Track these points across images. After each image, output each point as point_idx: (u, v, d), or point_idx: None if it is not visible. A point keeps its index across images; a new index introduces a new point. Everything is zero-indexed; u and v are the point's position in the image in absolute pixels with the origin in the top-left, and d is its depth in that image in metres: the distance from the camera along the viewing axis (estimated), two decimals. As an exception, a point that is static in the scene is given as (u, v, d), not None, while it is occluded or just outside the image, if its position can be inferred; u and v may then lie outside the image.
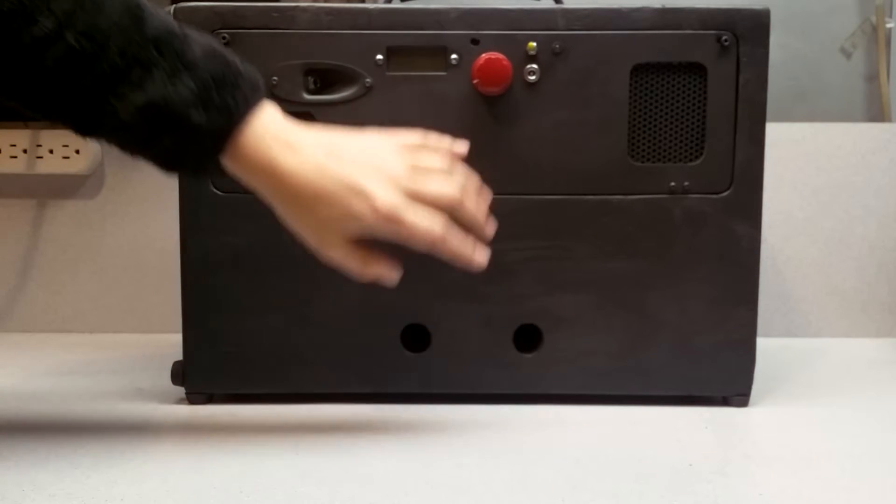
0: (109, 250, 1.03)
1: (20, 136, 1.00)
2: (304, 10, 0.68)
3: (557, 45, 0.68)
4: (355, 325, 0.69)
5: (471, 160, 0.69)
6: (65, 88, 0.56)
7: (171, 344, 0.74)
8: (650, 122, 0.70)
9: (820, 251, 1.00)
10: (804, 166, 1.00)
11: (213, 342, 0.71)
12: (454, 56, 0.68)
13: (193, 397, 0.72)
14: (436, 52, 0.69)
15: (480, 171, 0.69)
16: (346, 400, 0.72)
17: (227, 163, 0.59)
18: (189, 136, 0.57)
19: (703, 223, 0.69)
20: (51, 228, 1.03)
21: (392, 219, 0.58)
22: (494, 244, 0.69)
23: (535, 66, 0.68)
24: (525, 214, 0.70)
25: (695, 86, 0.69)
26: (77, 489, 0.53)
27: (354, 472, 0.57)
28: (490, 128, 0.69)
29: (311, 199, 0.59)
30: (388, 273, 0.61)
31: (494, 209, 0.69)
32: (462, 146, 0.64)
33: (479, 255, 0.62)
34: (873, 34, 1.07)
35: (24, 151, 1.00)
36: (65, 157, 1.00)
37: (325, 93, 0.69)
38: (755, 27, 0.68)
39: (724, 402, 0.72)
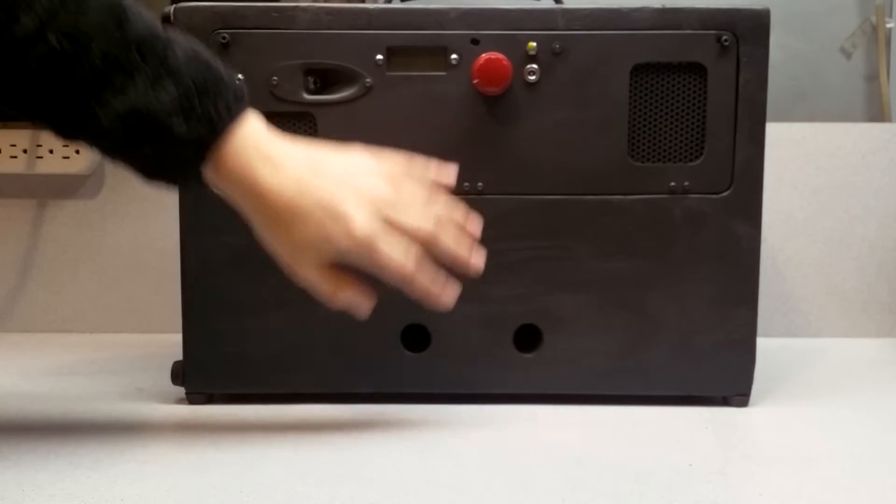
0: (109, 250, 1.03)
1: (20, 136, 1.00)
2: (304, 10, 0.68)
3: (557, 45, 0.68)
4: (355, 325, 0.69)
5: (471, 160, 0.69)
6: (46, 90, 0.55)
7: (171, 344, 0.74)
8: (650, 122, 0.70)
9: (820, 251, 1.00)
10: (804, 166, 1.00)
11: (213, 342, 0.71)
12: (454, 56, 0.68)
13: (193, 397, 0.72)
14: (436, 52, 0.69)
15: (480, 171, 0.69)
16: (346, 400, 0.72)
17: (208, 174, 0.58)
18: (170, 145, 0.56)
19: (703, 223, 0.69)
20: (51, 228, 1.03)
21: (367, 246, 0.58)
22: (494, 244, 0.69)
23: (535, 66, 0.68)
24: (525, 214, 0.70)
25: (695, 86, 0.69)
26: (77, 489, 0.53)
27: (354, 472, 0.57)
28: (490, 128, 0.69)
29: (288, 217, 0.58)
30: (359, 301, 0.61)
31: (494, 209, 0.69)
32: (449, 174, 0.64)
33: (448, 295, 0.61)
34: (873, 34, 1.07)
35: (24, 151, 1.00)
36: (65, 157, 1.00)
37: (325, 93, 0.69)
38: (755, 27, 0.68)
39: (724, 402, 0.72)
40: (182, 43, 0.57)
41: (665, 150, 0.70)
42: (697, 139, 0.70)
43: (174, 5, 0.69)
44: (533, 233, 0.70)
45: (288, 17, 0.68)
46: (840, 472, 0.57)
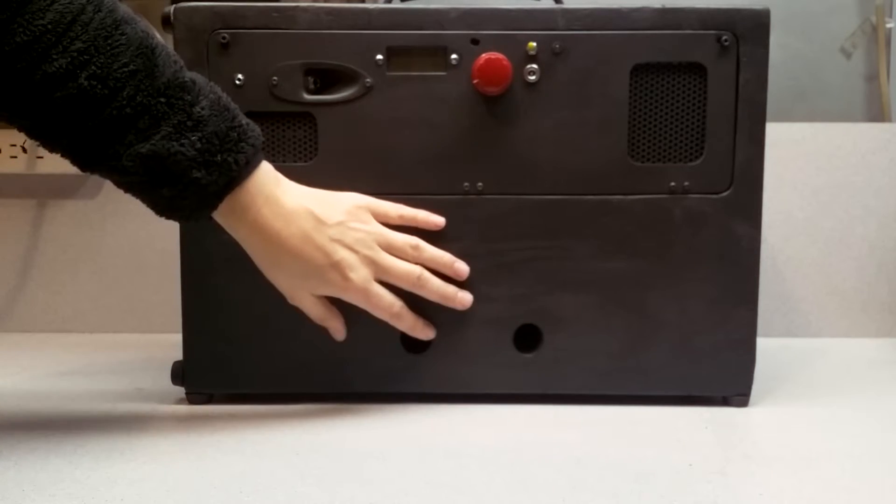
0: (109, 250, 1.03)
1: (20, 136, 0.98)
2: (304, 10, 0.68)
3: (557, 45, 0.68)
4: (355, 326, 0.69)
5: (471, 160, 0.69)
6: (70, 126, 0.56)
7: (171, 344, 0.74)
8: (650, 122, 0.70)
9: (820, 251, 1.00)
10: (804, 166, 1.00)
11: (213, 342, 0.71)
12: (454, 56, 0.68)
13: (193, 397, 0.72)
14: (436, 52, 0.69)
15: (480, 171, 0.69)
16: (345, 400, 0.72)
17: (217, 215, 0.62)
18: (187, 190, 0.59)
19: (703, 223, 0.69)
20: (51, 228, 1.03)
21: (361, 293, 0.65)
22: (494, 244, 0.69)
23: (535, 66, 0.68)
24: (525, 214, 0.70)
25: (695, 86, 0.69)
26: (77, 489, 0.53)
27: (354, 472, 0.57)
28: (490, 128, 0.69)
29: (290, 261, 0.64)
30: (339, 330, 0.69)
31: (494, 209, 0.69)
32: (438, 221, 0.69)
33: (426, 334, 0.69)
34: (873, 34, 1.07)
35: (24, 151, 1.00)
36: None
37: (325, 93, 0.69)
38: (755, 27, 0.68)
39: (724, 402, 0.72)
40: (206, 90, 0.59)
41: (665, 150, 0.70)
42: (697, 139, 0.70)
43: (174, 5, 0.69)
44: (533, 233, 0.70)
45: (288, 17, 0.68)
46: (840, 472, 0.57)
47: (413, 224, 0.68)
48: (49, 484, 0.54)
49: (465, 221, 0.69)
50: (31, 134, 0.58)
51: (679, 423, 0.67)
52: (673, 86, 0.69)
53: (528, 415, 0.69)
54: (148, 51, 0.57)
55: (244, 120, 0.61)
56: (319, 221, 0.64)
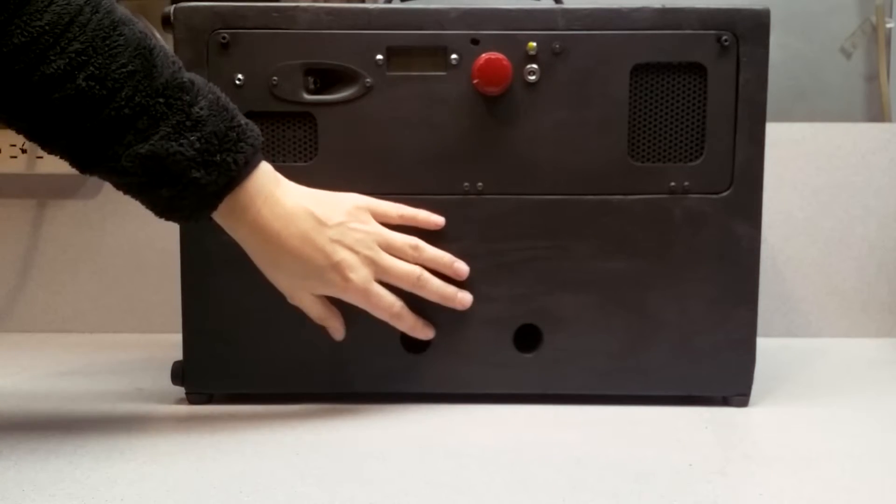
0: (109, 250, 1.03)
1: (20, 137, 0.99)
2: (304, 10, 0.68)
3: (557, 45, 0.68)
4: (355, 326, 0.69)
5: (471, 160, 0.69)
6: (69, 127, 0.56)
7: (171, 344, 0.74)
8: (650, 122, 0.70)
9: (820, 251, 1.00)
10: (804, 166, 1.00)
11: (213, 342, 0.71)
12: (454, 56, 0.68)
13: (193, 397, 0.72)
14: (436, 52, 0.69)
15: (480, 171, 0.69)
16: (346, 400, 0.72)
17: (216, 215, 0.62)
18: (186, 191, 0.59)
19: (703, 223, 0.69)
20: (51, 228, 1.03)
21: (361, 293, 0.65)
22: (494, 244, 0.69)
23: (535, 66, 0.68)
24: (525, 214, 0.70)
25: (695, 86, 0.69)
26: (77, 489, 0.53)
27: (354, 472, 0.57)
28: (490, 128, 0.69)
29: (289, 261, 0.64)
30: (339, 330, 0.69)
31: (494, 209, 0.69)
32: (438, 220, 0.69)
33: (426, 334, 0.69)
34: (873, 34, 1.07)
35: (24, 151, 1.00)
36: (65, 157, 1.00)
37: (325, 93, 0.69)
38: (755, 27, 0.68)
39: (724, 402, 0.72)
40: (204, 90, 0.59)
41: (665, 150, 0.70)
42: (697, 139, 0.70)
43: (174, 5, 0.69)
44: (533, 233, 0.70)
45: (288, 17, 0.68)
46: (840, 472, 0.57)
47: (413, 224, 0.68)
48: (49, 484, 0.54)
49: (465, 221, 0.69)
50: (30, 136, 0.58)
51: (679, 423, 0.67)
52: (673, 86, 0.69)
53: (528, 415, 0.69)
54: (146, 51, 0.57)
55: (243, 120, 0.61)
56: (319, 222, 0.64)
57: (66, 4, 0.54)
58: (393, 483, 0.55)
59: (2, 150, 1.00)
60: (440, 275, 0.69)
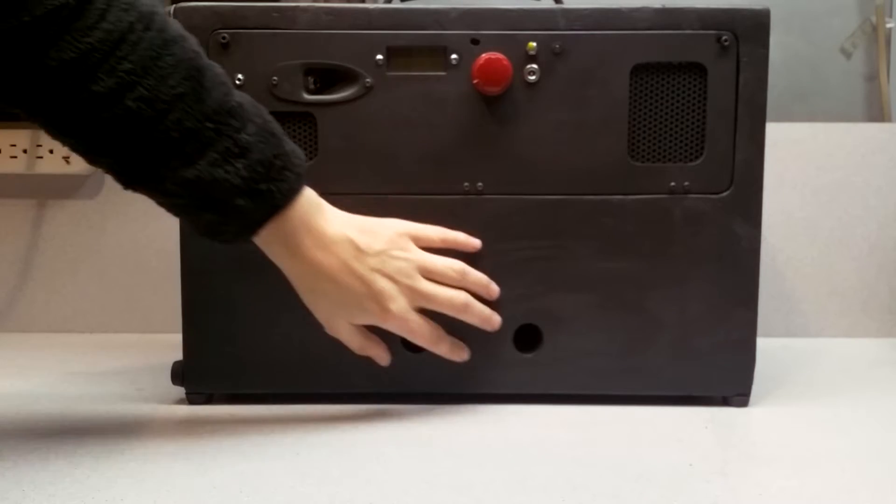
0: (109, 250, 1.03)
1: (20, 136, 1.00)
2: (304, 10, 0.68)
3: (557, 45, 0.68)
4: (355, 325, 0.69)
5: (471, 160, 0.69)
6: (115, 146, 0.55)
7: (171, 344, 0.74)
8: (650, 122, 0.70)
9: (820, 251, 1.00)
10: (804, 166, 1.00)
11: (213, 342, 0.71)
12: (454, 56, 0.68)
13: (193, 397, 0.72)
14: (436, 52, 0.69)
15: (480, 171, 0.69)
16: (346, 400, 0.72)
17: (258, 241, 0.61)
18: (229, 217, 0.59)
19: (703, 223, 0.69)
20: (51, 228, 1.03)
21: (400, 322, 0.65)
22: (494, 244, 0.69)
23: (535, 66, 0.68)
24: (525, 214, 0.70)
25: (695, 86, 0.69)
26: (77, 489, 0.53)
27: (354, 472, 0.57)
28: (490, 128, 0.69)
29: (329, 289, 0.63)
30: (383, 357, 0.68)
31: (494, 209, 0.69)
32: (476, 243, 0.69)
33: (461, 356, 0.69)
34: (873, 34, 1.07)
35: (24, 151, 1.00)
36: (65, 157, 1.00)
37: (325, 93, 0.69)
38: (755, 27, 0.68)
39: (724, 402, 0.72)
40: (252, 114, 0.58)
41: (665, 150, 0.70)
42: (697, 139, 0.70)
43: (174, 5, 0.69)
44: (533, 233, 0.70)
45: (288, 17, 0.68)
46: (840, 472, 0.57)
47: (455, 248, 0.68)
48: (49, 484, 0.54)
49: (465, 221, 0.69)
50: (76, 150, 0.57)
51: (679, 423, 0.67)
52: (673, 86, 0.69)
53: (529, 415, 0.69)
54: (196, 72, 0.56)
55: (289, 146, 0.60)
56: (360, 251, 0.63)
57: (118, 21, 0.53)
58: (393, 483, 0.55)
59: (2, 151, 1.00)
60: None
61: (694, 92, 0.69)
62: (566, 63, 0.68)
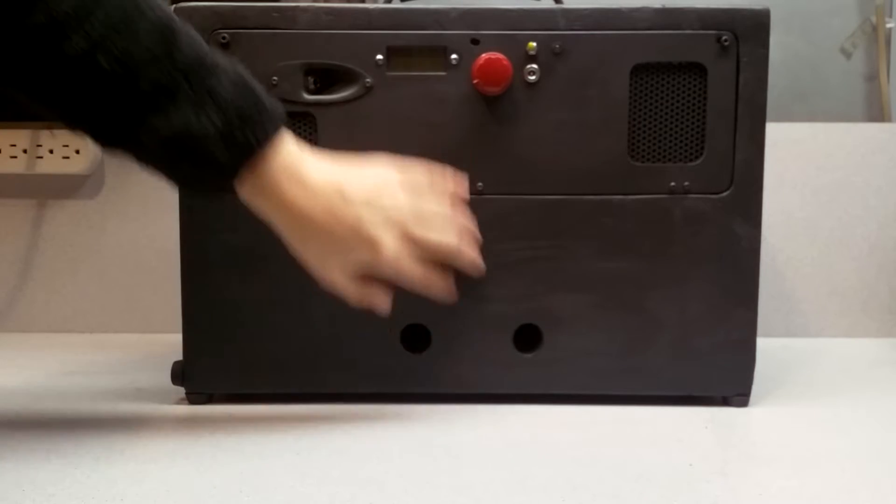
0: (109, 250, 1.03)
1: (20, 136, 1.00)
2: (304, 10, 0.68)
3: (557, 45, 0.68)
4: (355, 325, 0.69)
5: (471, 160, 0.69)
6: (91, 105, 0.56)
7: (171, 344, 0.74)
8: (650, 122, 0.70)
9: (820, 251, 1.00)
10: (804, 166, 1.00)
11: (213, 342, 0.71)
12: (454, 56, 0.68)
13: (193, 397, 0.72)
14: (436, 52, 0.69)
15: (480, 171, 0.69)
16: (346, 400, 0.72)
17: (240, 189, 0.61)
18: (207, 167, 0.59)
19: (703, 223, 0.69)
20: (51, 228, 1.03)
21: (393, 264, 0.63)
22: (494, 244, 0.69)
23: (535, 66, 0.68)
24: (525, 214, 0.70)
25: (695, 86, 0.69)
26: (77, 489, 0.53)
27: (354, 472, 0.57)
28: (490, 128, 0.69)
29: (318, 235, 0.62)
30: (381, 302, 0.65)
31: (494, 209, 0.69)
32: (465, 183, 0.67)
33: (455, 294, 0.67)
34: (873, 34, 1.07)
35: (24, 151, 1.00)
36: (65, 157, 1.00)
37: (325, 93, 0.69)
38: (755, 27, 0.68)
39: (724, 402, 0.72)
40: (226, 67, 0.59)
41: (665, 150, 0.70)
42: (697, 139, 0.70)
43: (174, 5, 0.69)
44: (533, 233, 0.70)
45: (288, 17, 0.68)
46: (840, 472, 0.57)
47: (444, 179, 0.67)
48: (49, 484, 0.54)
49: (465, 221, 0.69)
50: (51, 112, 0.57)
51: (679, 423, 0.67)
52: (673, 86, 0.69)
53: (528, 415, 0.69)
54: (168, 32, 0.56)
55: (266, 98, 0.60)
56: (347, 198, 0.62)
57: None
58: (393, 483, 0.55)
59: (2, 151, 1.00)
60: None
61: (694, 92, 0.69)
62: (566, 63, 0.68)
